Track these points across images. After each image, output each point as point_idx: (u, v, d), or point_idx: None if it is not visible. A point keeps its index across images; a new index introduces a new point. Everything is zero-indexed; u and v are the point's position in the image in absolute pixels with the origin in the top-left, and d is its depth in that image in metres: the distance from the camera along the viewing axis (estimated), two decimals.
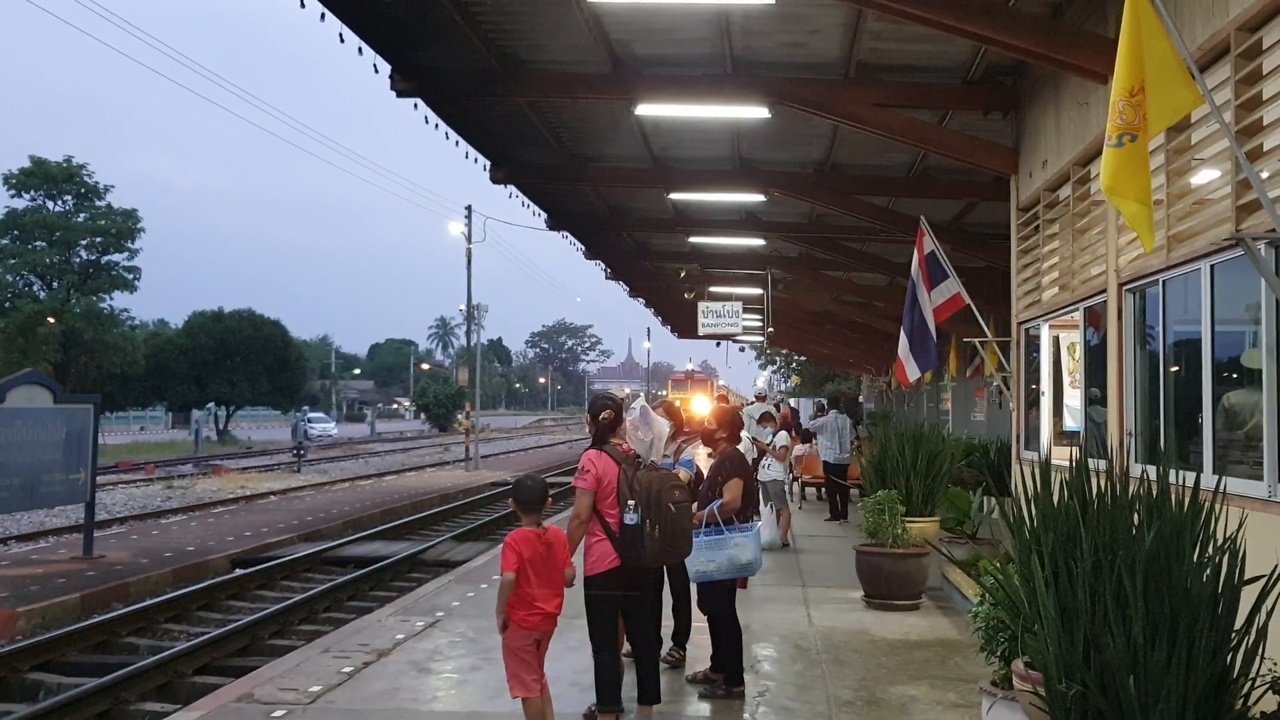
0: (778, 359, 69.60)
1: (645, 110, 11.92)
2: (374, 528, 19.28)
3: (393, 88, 11.96)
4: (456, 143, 14.52)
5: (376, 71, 11.66)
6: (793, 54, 10.99)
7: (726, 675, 7.19)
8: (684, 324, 35.99)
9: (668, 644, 7.67)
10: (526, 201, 18.78)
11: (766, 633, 9.18)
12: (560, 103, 13.21)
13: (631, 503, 6.00)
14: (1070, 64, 8.26)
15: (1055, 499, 4.70)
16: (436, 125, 13.65)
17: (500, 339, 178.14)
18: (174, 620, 11.76)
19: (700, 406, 29.59)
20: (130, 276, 52.72)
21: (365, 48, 11.06)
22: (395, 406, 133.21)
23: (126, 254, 52.32)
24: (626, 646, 6.72)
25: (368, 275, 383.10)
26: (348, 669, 7.83)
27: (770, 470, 14.55)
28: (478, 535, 18.93)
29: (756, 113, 11.63)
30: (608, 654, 6.16)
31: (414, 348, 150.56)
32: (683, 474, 7.53)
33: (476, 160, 15.59)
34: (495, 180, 16.21)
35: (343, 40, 10.68)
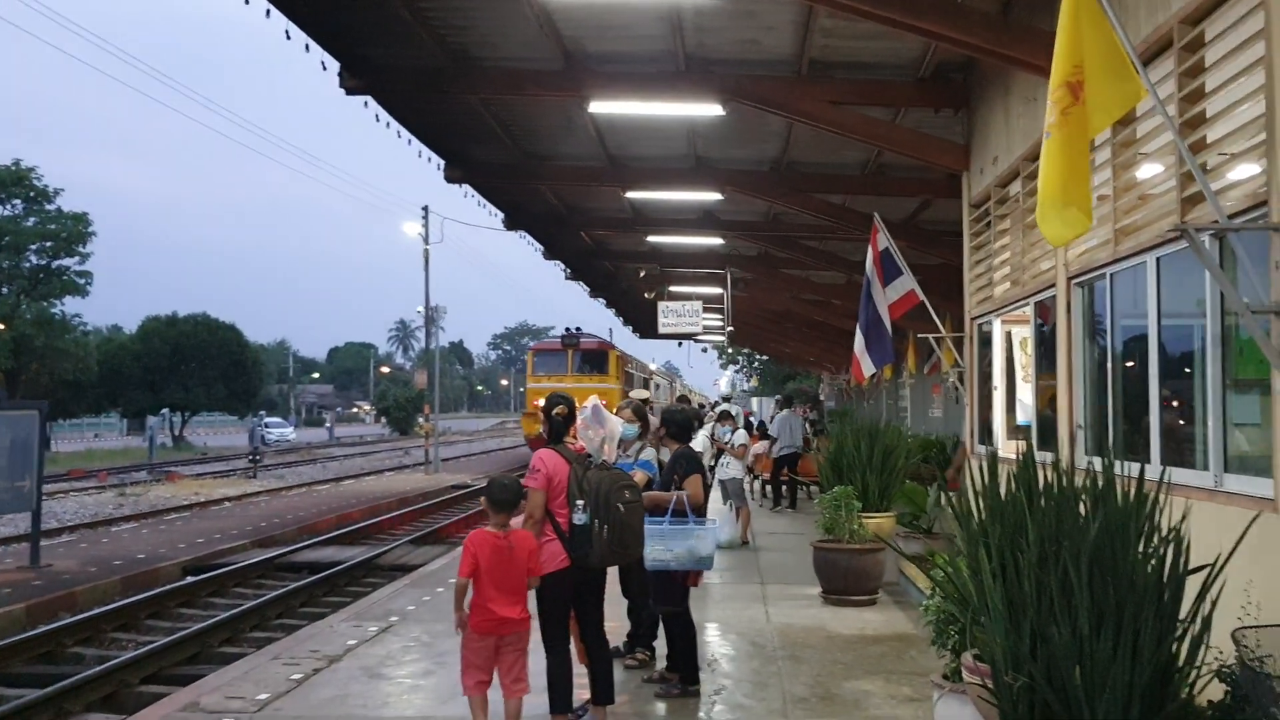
0: (740, 358, 69.88)
1: (598, 107, 11.84)
2: (330, 533, 19.04)
3: (341, 85, 11.80)
4: (409, 141, 14.41)
5: (324, 69, 11.50)
6: (746, 51, 10.96)
7: (682, 674, 7.15)
8: (645, 324, 35.91)
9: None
10: (483, 201, 18.68)
11: (724, 631, 9.15)
12: (513, 100, 13.10)
13: (580, 502, 5.94)
14: (1019, 60, 8.28)
15: (1003, 492, 4.71)
16: (388, 124, 13.53)
17: (461, 341, 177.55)
18: (122, 629, 11.51)
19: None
20: (82, 281, 51.84)
21: (312, 44, 10.91)
22: (355, 410, 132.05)
23: (78, 259, 51.46)
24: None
25: (327, 278, 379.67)
26: (297, 676, 7.69)
27: (729, 469, 14.54)
28: (435, 539, 18.74)
29: (710, 110, 11.58)
30: (558, 656, 6.10)
31: (374, 351, 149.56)
32: (640, 475, 7.48)
33: (430, 159, 15.48)
34: (450, 179, 16.07)
35: (289, 37, 10.52)
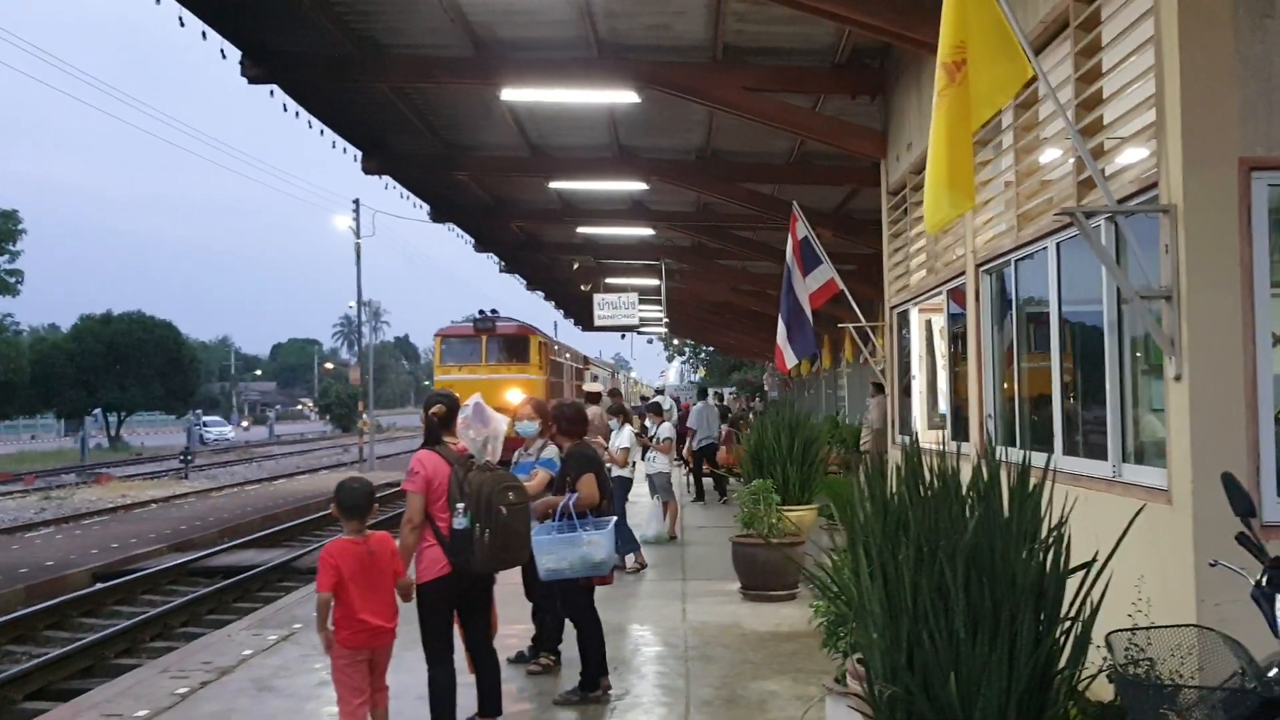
0: (686, 350, 69.81)
1: (511, 95, 11.54)
2: (252, 534, 18.54)
3: (244, 74, 11.40)
4: (321, 132, 13.99)
5: (224, 57, 11.12)
6: (658, 36, 10.71)
7: (582, 679, 6.90)
8: (586, 316, 35.56)
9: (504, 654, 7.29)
10: (405, 193, 18.28)
11: (639, 630, 8.93)
12: (428, 89, 12.76)
13: (461, 506, 5.66)
14: (927, 43, 8.10)
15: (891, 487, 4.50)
16: (298, 113, 13.11)
17: (407, 336, 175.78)
18: (17, 641, 11.03)
19: (516, 397, 20.14)
20: (12, 280, 50.61)
21: (210, 31, 10.50)
22: (300, 407, 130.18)
23: (7, 257, 50.22)
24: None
25: (270, 275, 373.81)
26: (182, 690, 7.34)
27: (655, 463, 14.31)
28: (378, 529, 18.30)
29: (625, 97, 11.33)
30: (440, 668, 5.82)
31: (318, 347, 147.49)
32: (542, 475, 7.21)
33: (346, 150, 15.06)
34: (368, 171, 15.64)
35: (183, 24, 10.11)
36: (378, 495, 22.57)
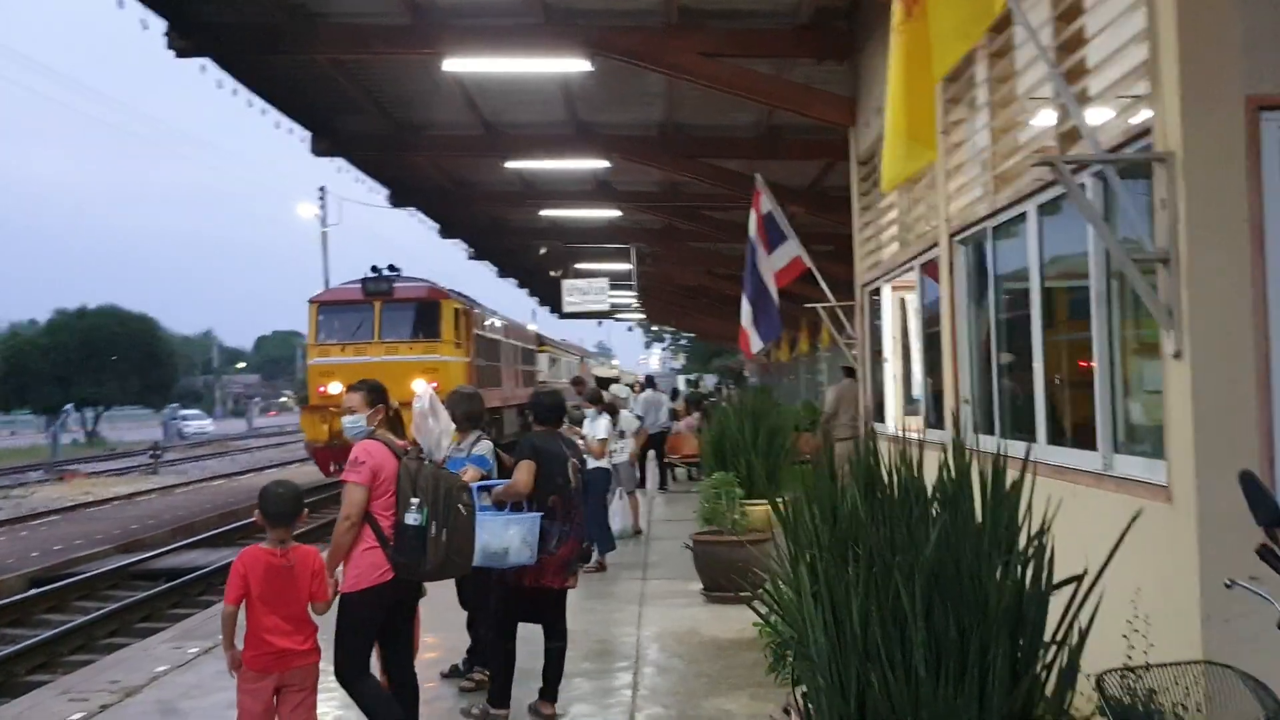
0: (665, 336, 69.18)
1: (454, 65, 10.80)
2: (207, 533, 17.74)
3: (170, 47, 10.65)
4: (263, 111, 13.22)
5: (146, 28, 10.35)
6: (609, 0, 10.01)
7: (490, 694, 6.20)
8: (561, 303, 34.81)
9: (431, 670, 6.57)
10: (362, 177, 17.54)
11: (586, 639, 8.18)
12: (371, 64, 12.04)
13: (415, 501, 4.98)
14: None
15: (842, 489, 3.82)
16: (235, 90, 12.36)
17: None
18: None
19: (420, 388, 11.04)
20: None
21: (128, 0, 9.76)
22: (284, 399, 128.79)
23: None
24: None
25: (254, 267, 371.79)
26: (77, 715, 6.61)
27: (622, 453, 13.60)
28: (317, 536, 17.54)
29: (576, 65, 10.60)
30: (366, 683, 5.11)
31: (301, 339, 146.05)
32: (473, 472, 6.53)
33: (292, 131, 14.32)
34: (318, 152, 14.92)
35: None
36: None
